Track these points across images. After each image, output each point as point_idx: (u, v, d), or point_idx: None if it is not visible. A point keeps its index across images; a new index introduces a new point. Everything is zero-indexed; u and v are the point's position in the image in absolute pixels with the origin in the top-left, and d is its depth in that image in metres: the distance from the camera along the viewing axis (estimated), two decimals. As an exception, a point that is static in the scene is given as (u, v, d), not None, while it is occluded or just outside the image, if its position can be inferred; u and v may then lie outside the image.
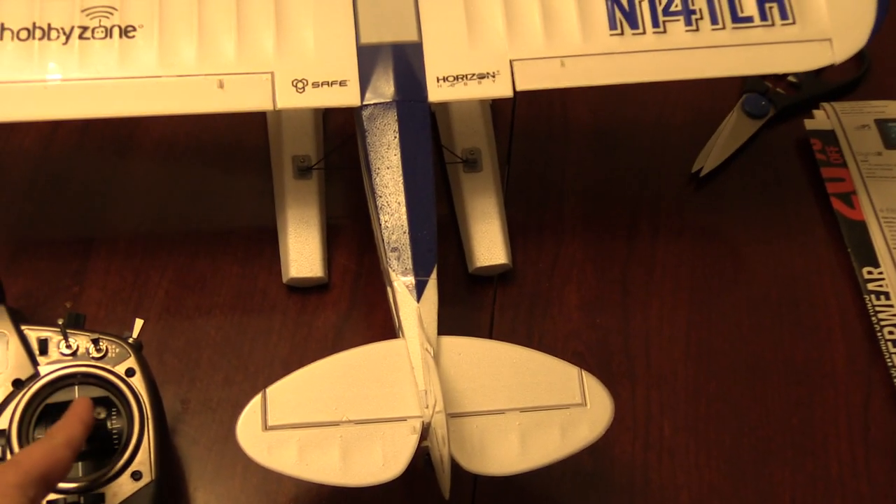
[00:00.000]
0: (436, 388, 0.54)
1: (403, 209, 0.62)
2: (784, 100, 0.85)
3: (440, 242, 0.63)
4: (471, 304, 0.73)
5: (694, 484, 0.67)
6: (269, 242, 0.75)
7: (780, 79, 0.86)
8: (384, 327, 0.60)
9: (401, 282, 0.60)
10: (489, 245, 0.73)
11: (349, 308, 0.72)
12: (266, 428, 0.54)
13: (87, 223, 0.76)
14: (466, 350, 0.58)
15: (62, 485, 0.56)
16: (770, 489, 0.67)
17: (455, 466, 0.54)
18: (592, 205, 0.79)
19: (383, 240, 0.63)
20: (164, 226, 0.76)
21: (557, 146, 0.82)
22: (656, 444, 0.68)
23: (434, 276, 0.61)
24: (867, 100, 0.85)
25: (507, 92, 0.66)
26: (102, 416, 0.57)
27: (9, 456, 0.56)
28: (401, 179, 0.62)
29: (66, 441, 0.50)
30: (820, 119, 0.83)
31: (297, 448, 0.54)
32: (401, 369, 0.56)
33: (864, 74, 0.87)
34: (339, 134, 0.79)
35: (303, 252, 0.73)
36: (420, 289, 0.60)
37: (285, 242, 0.74)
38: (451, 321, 0.58)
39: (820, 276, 0.76)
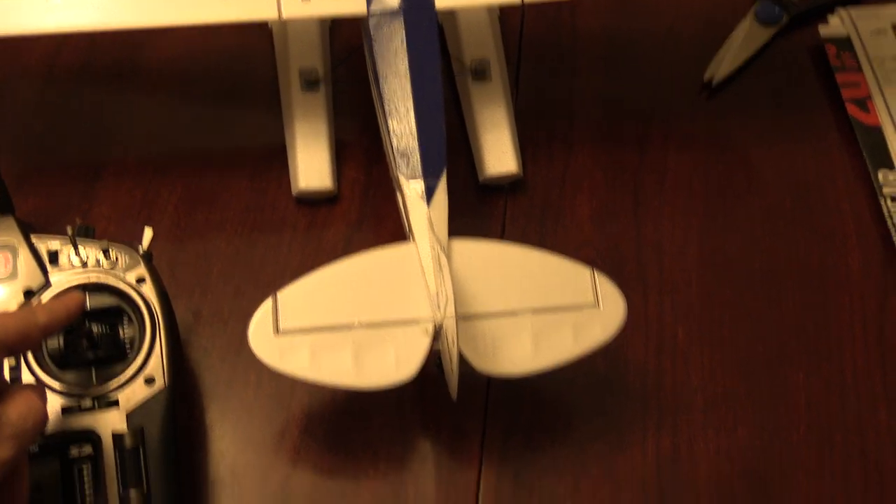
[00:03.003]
0: (448, 289, 0.53)
1: (412, 114, 0.61)
2: (798, 6, 0.84)
3: (449, 154, 0.62)
4: (481, 215, 0.73)
5: (708, 387, 0.67)
6: (277, 157, 0.75)
7: (793, -16, 0.84)
8: (394, 237, 0.59)
9: (410, 186, 0.60)
10: (499, 154, 0.73)
11: (359, 219, 0.72)
12: (277, 332, 0.55)
13: (96, 142, 0.76)
14: (478, 252, 0.58)
15: (77, 390, 0.57)
16: (784, 392, 0.67)
17: (468, 368, 0.54)
18: (603, 114, 0.79)
19: (392, 145, 0.62)
20: (172, 143, 0.76)
21: (567, 56, 0.82)
22: (670, 349, 0.68)
23: (444, 179, 0.61)
24: (884, 3, 0.84)
25: (515, -1, 0.64)
26: (87, 326, 0.57)
27: (22, 365, 0.57)
28: (409, 85, 0.61)
29: (44, 321, 0.50)
30: (834, 25, 0.82)
31: (309, 352, 0.55)
32: (412, 272, 0.56)
33: (880, -22, 0.85)
34: (347, 48, 0.79)
35: (312, 164, 0.73)
36: (430, 193, 0.60)
37: (294, 155, 0.73)
38: (462, 231, 0.58)
39: (834, 182, 0.76)
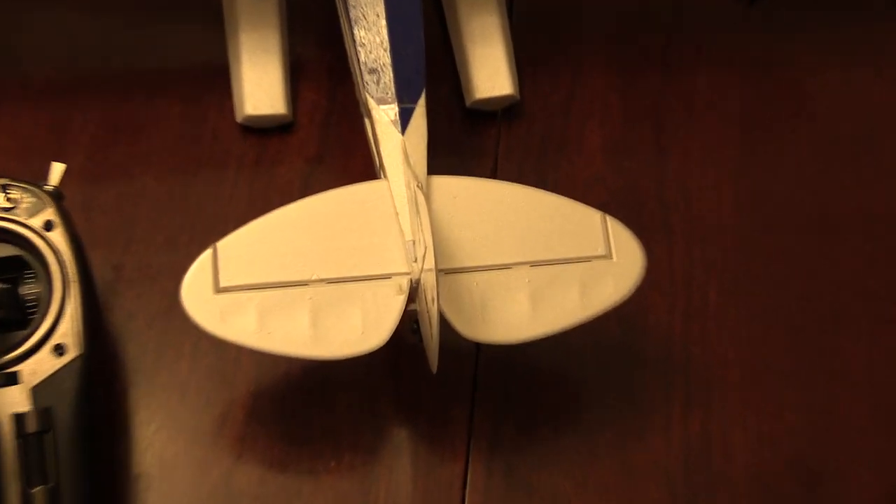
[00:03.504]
0: (427, 237, 0.53)
1: (383, 21, 0.61)
2: None
3: (430, 73, 0.62)
4: (469, 148, 0.73)
5: (746, 360, 0.67)
6: (218, 75, 0.74)
7: None
8: (363, 175, 0.59)
9: (381, 111, 0.60)
10: (491, 72, 0.73)
11: (319, 152, 0.72)
12: (218, 290, 0.55)
13: (-7, 58, 0.74)
14: (464, 191, 0.58)
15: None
16: (840, 366, 0.67)
17: (452, 334, 0.54)
18: (619, 25, 0.78)
19: (359, 61, 0.62)
20: (88, 60, 0.75)
21: (575, -48, 0.81)
22: (700, 312, 0.68)
23: (422, 102, 0.60)
24: None
25: None
26: None
27: None
28: (379, -15, 0.59)
29: None
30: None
31: (256, 314, 0.55)
32: (383, 216, 0.57)
33: None
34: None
35: (261, 84, 0.72)
36: (405, 118, 0.59)
37: (239, 73, 0.73)
38: (445, 168, 0.58)
39: (899, 109, 0.75)
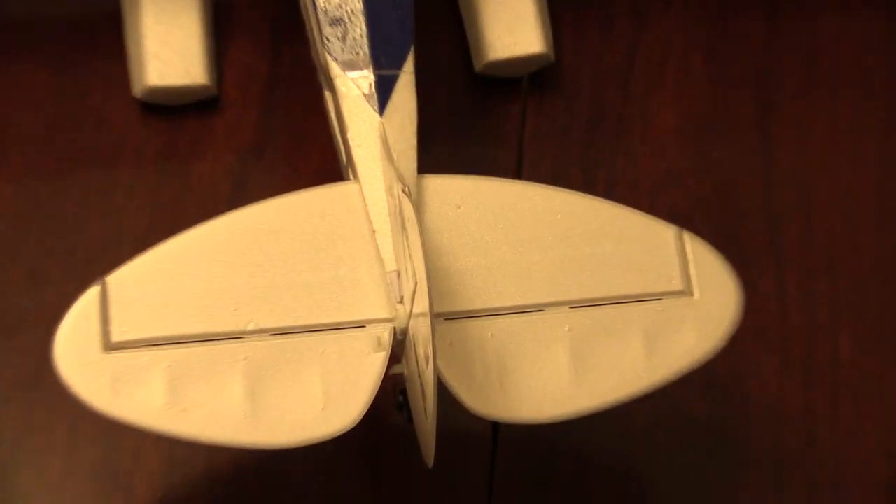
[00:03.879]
0: (418, 265, 0.54)
1: None
2: None
3: (422, 26, 0.64)
4: (481, 133, 0.74)
5: (897, 447, 0.66)
6: (106, 30, 0.75)
7: None
8: (321, 176, 0.61)
9: (348, 81, 0.61)
10: (512, 22, 0.74)
11: (257, 142, 0.73)
12: (109, 347, 0.56)
13: None
14: (472, 198, 0.60)
15: None
16: None
17: (458, 409, 0.56)
18: None
19: (316, 6, 0.63)
20: None
21: None
22: (827, 375, 0.69)
23: (409, 67, 0.61)
24: None
25: None
26: None
27: None
28: None
29: None
30: None
31: (166, 382, 0.56)
32: (352, 236, 0.58)
33: None
34: None
35: (170, 42, 0.73)
36: (384, 91, 0.61)
37: (137, 26, 0.74)
38: (446, 163, 0.60)
39: None
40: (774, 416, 0.66)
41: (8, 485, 0.64)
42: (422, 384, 0.54)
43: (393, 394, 0.58)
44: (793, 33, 0.76)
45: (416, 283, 0.54)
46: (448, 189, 0.60)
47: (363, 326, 0.57)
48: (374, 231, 0.58)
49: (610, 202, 0.60)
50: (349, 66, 0.62)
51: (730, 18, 0.76)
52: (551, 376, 0.58)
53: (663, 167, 0.71)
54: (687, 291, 0.59)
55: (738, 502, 0.65)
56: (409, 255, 0.55)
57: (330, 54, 0.62)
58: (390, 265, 0.57)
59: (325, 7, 0.63)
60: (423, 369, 0.54)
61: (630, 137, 0.72)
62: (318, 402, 0.56)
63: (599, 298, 0.59)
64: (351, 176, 0.60)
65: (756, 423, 0.66)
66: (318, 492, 0.64)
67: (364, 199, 0.59)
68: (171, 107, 0.72)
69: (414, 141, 0.60)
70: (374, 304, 0.57)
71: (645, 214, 0.60)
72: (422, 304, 0.54)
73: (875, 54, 0.74)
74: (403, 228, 0.56)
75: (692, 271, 0.60)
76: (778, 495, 0.65)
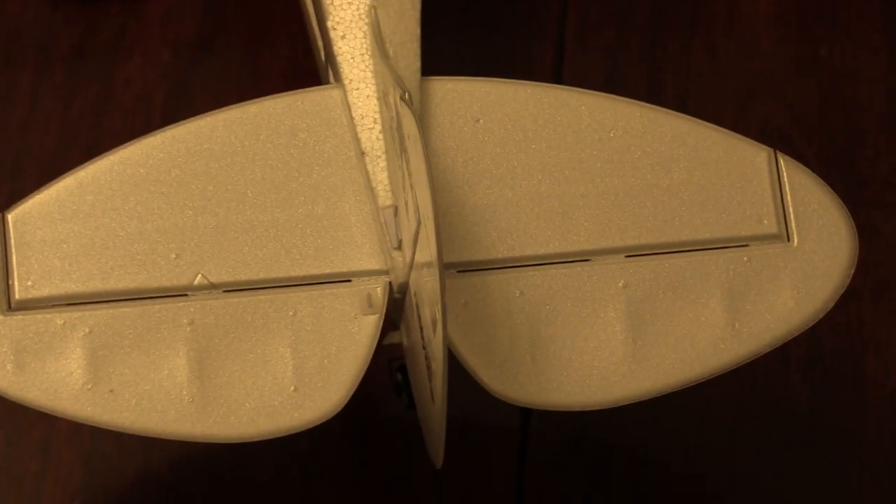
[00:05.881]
0: (422, 199, 0.48)
1: None
2: None
3: None
4: (509, 19, 0.68)
5: None
6: None
7: None
8: (291, 77, 0.56)
9: None
10: None
11: (202, 30, 0.67)
12: (10, 308, 0.51)
13: None
14: (495, 109, 0.54)
15: None
16: None
17: (477, 390, 0.51)
18: None
19: None
20: None
21: None
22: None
23: None
24: None
25: None
26: None
27: None
28: None
29: None
30: None
31: (85, 353, 0.51)
32: (334, 158, 0.53)
33: None
34: None
35: None
36: None
37: None
38: (462, 65, 0.54)
39: None
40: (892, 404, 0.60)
41: None
42: (427, 358, 0.50)
43: (389, 371, 0.56)
44: None
45: (419, 223, 0.49)
46: (463, 96, 0.54)
47: (348, 281, 0.52)
48: (362, 153, 0.53)
49: (681, 115, 0.54)
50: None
51: None
52: (601, 349, 0.52)
53: (755, 68, 0.65)
54: (783, 236, 0.53)
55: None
56: (411, 185, 0.50)
57: None
58: (385, 199, 0.52)
59: None
60: (430, 338, 0.49)
61: (711, 27, 0.67)
62: (287, 381, 0.51)
63: (666, 244, 0.53)
64: (331, 78, 0.56)
65: (874, 411, 0.59)
66: (289, 499, 0.58)
67: (349, 110, 0.54)
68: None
69: (417, 30, 0.55)
70: (362, 251, 0.52)
71: (728, 132, 0.54)
72: (427, 252, 0.49)
73: None
74: (403, 149, 0.51)
75: (790, 210, 0.54)
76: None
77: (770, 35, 0.64)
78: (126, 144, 0.52)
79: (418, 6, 0.55)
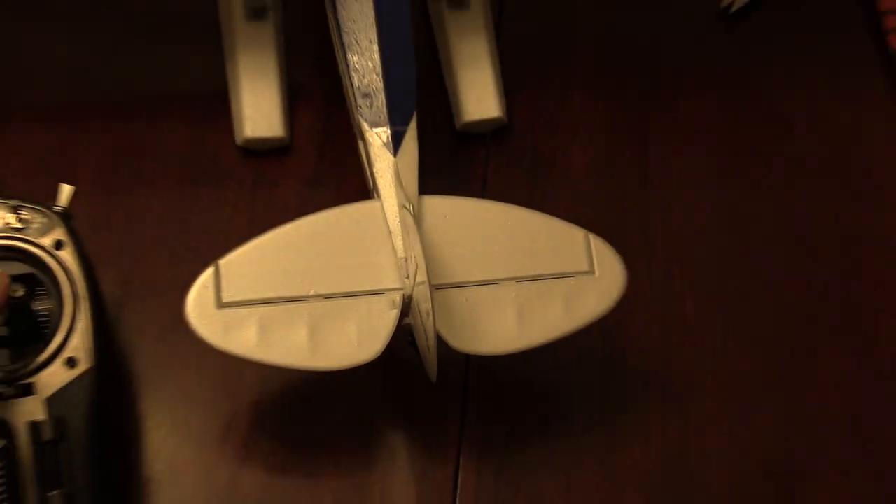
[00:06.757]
0: (418, 254, 0.54)
1: (375, 47, 0.61)
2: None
3: (421, 96, 0.63)
4: (459, 168, 0.73)
5: (722, 370, 0.67)
6: (219, 99, 0.75)
7: None
8: (357, 195, 0.60)
9: (374, 134, 0.60)
10: (480, 95, 0.74)
11: (315, 173, 0.73)
12: (220, 305, 0.55)
13: (4, 82, 0.76)
14: (453, 211, 0.59)
15: (-16, 373, 0.57)
16: (812, 375, 0.67)
17: (443, 346, 0.55)
18: (603, 49, 0.79)
19: (353, 85, 0.63)
20: (94, 83, 0.76)
21: (562, -21, 0.81)
22: (678, 324, 0.68)
23: (413, 125, 0.60)
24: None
25: None
26: (20, 293, 0.56)
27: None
28: (371, 12, 0.62)
29: None
30: (876, -58, 0.80)
31: (257, 328, 0.55)
32: (376, 234, 0.57)
33: None
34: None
35: (259, 107, 0.73)
36: (397, 141, 0.60)
37: (238, 97, 0.74)
38: (436, 187, 0.59)
39: (873, 131, 0.76)
40: (643, 350, 0.66)
41: (160, 392, 0.65)
42: (424, 330, 0.55)
43: (404, 337, 0.58)
44: (661, 103, 0.76)
45: (416, 265, 0.55)
46: (438, 205, 0.59)
47: (383, 293, 0.57)
48: (390, 231, 0.58)
49: (543, 214, 0.60)
50: (374, 124, 0.62)
51: (619, 93, 0.76)
52: (504, 325, 0.57)
53: (577, 192, 0.71)
54: (591, 271, 0.59)
55: (619, 405, 0.65)
56: (412, 247, 0.55)
57: (362, 117, 0.62)
58: (401, 253, 0.57)
59: (359, 86, 0.63)
60: (425, 321, 0.54)
61: (556, 172, 0.72)
62: (354, 340, 0.56)
63: (536, 275, 0.58)
64: (375, 196, 0.59)
65: (631, 355, 0.66)
66: (353, 395, 0.64)
67: (384, 211, 0.58)
68: (259, 151, 0.72)
69: (416, 173, 0.59)
70: (390, 279, 0.57)
71: (565, 222, 0.60)
72: (421, 278, 0.54)
73: (713, 120, 0.76)
74: (408, 230, 0.56)
75: (595, 258, 0.59)
76: (644, 400, 0.65)
77: (584, 175, 0.71)
78: (277, 227, 0.58)
79: (416, 161, 0.60)
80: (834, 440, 0.64)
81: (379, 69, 0.61)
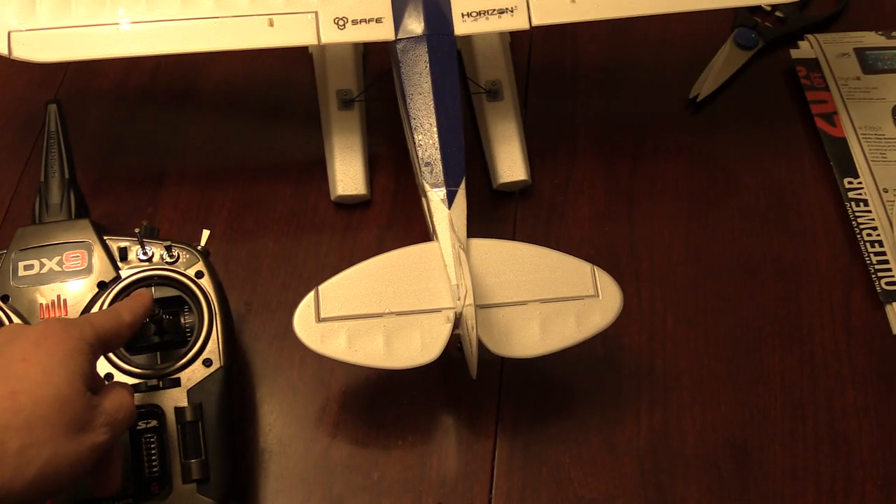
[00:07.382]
0: (467, 282, 0.53)
1: (434, 129, 0.61)
2: (772, 32, 0.82)
3: (467, 164, 0.62)
4: (495, 217, 0.72)
5: (694, 369, 0.66)
6: (318, 167, 0.74)
7: (768, 14, 0.84)
8: (420, 237, 0.59)
9: (434, 192, 0.59)
10: (510, 164, 0.72)
11: (389, 221, 0.71)
12: (319, 320, 0.55)
13: (159, 154, 0.75)
14: (493, 250, 0.57)
15: (144, 371, 0.57)
16: (762, 372, 0.66)
17: (483, 351, 0.54)
18: (601, 129, 0.77)
19: (418, 157, 0.62)
20: (225, 155, 0.76)
21: (570, 78, 0.80)
22: (660, 334, 0.67)
23: (463, 186, 0.59)
24: (847, 31, 0.82)
25: (524, 25, 0.65)
26: (157, 312, 0.56)
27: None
28: (432, 103, 0.61)
29: (129, 320, 0.50)
30: (804, 49, 0.81)
31: (346, 336, 0.54)
32: (436, 267, 0.56)
33: (844, 8, 0.84)
34: (377, 70, 0.78)
35: (348, 173, 0.72)
36: (451, 198, 0.59)
37: (332, 165, 0.73)
38: (479, 232, 0.57)
39: (805, 187, 0.75)
40: (635, 354, 0.65)
41: (272, 384, 0.64)
42: (469, 339, 0.53)
43: (454, 344, 0.57)
44: (644, 168, 0.74)
45: (465, 290, 0.53)
46: (482, 245, 0.58)
47: (440, 311, 0.56)
48: (446, 265, 0.56)
49: (559, 252, 0.58)
50: (434, 185, 0.60)
51: (613, 160, 0.74)
52: (529, 335, 0.56)
53: (583, 234, 0.69)
54: (596, 295, 0.57)
55: (617, 396, 0.63)
56: (462, 277, 0.54)
57: (425, 180, 0.61)
58: (453, 281, 0.56)
59: (422, 157, 0.62)
60: (470, 332, 0.53)
61: (567, 220, 0.70)
62: (418, 346, 0.55)
63: (554, 298, 0.57)
64: (434, 238, 0.58)
65: (626, 357, 0.64)
66: (417, 388, 0.63)
67: (441, 250, 0.57)
68: (348, 205, 0.72)
69: (465, 222, 0.59)
70: (445, 300, 0.56)
71: (576, 258, 0.58)
72: (469, 300, 0.53)
73: (680, 180, 0.74)
74: (460, 264, 0.55)
75: (599, 285, 0.58)
76: (636, 392, 0.64)
77: (588, 222, 0.67)
78: (361, 262, 0.57)
79: (465, 213, 0.59)
80: (779, 421, 0.62)
81: (437, 145, 0.60)
